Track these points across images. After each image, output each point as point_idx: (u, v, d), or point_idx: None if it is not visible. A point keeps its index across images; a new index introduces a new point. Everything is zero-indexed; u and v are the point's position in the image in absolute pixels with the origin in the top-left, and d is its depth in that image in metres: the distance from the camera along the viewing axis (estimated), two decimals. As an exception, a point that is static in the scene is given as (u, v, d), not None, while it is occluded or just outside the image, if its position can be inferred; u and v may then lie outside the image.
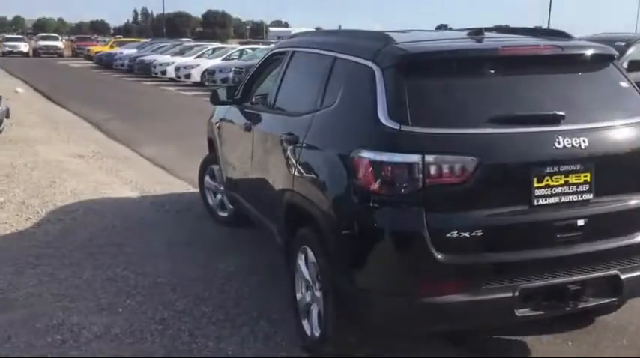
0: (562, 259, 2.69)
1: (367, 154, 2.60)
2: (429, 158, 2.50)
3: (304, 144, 3.14)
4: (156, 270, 4.30)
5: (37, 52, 42.87)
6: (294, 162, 3.20)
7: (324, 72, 3.24)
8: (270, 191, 3.60)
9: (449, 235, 2.53)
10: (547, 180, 2.66)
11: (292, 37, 4.16)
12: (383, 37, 2.95)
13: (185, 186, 6.84)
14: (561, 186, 2.69)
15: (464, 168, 2.54)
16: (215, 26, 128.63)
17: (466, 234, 2.54)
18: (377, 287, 2.67)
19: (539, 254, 2.66)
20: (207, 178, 5.52)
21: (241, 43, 32.31)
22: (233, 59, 22.02)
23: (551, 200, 2.68)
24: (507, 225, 2.64)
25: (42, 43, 45.11)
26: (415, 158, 2.49)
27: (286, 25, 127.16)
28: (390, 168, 2.53)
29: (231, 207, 5.19)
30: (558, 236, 2.69)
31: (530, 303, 2.64)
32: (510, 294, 2.58)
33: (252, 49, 23.50)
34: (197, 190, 6.50)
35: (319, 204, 2.91)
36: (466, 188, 2.55)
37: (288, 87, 3.76)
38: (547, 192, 2.66)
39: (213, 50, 24.74)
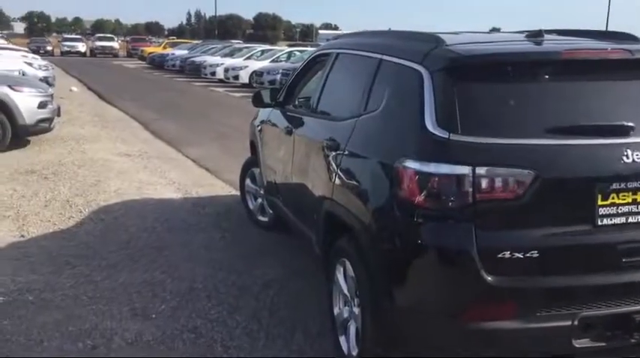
0: (628, 286, 2.42)
1: (412, 164, 2.41)
2: (481, 170, 2.28)
3: (346, 151, 2.97)
4: (192, 275, 4.21)
5: (93, 52, 44.18)
6: (334, 169, 3.04)
7: (368, 75, 3.07)
8: (310, 198, 3.45)
9: (500, 255, 2.31)
10: (613, 198, 2.40)
11: (336, 38, 4.00)
12: (432, 39, 2.75)
13: (227, 188, 6.77)
14: (629, 204, 2.42)
15: (519, 183, 2.31)
16: (266, 28, 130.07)
17: (520, 255, 2.31)
18: (419, 306, 2.47)
19: (602, 279, 2.40)
20: (248, 181, 5.42)
21: (290, 45, 32.39)
22: (281, 61, 22.05)
23: (617, 220, 2.42)
24: (567, 246, 2.39)
25: (98, 43, 46.44)
26: (465, 170, 2.29)
27: (336, 28, 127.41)
28: (436, 180, 2.33)
29: (271, 211, 5.07)
30: (624, 260, 2.42)
31: (590, 333, 2.39)
32: (569, 323, 2.34)
33: (301, 51, 23.48)
34: (238, 193, 6.44)
35: (359, 216, 2.73)
36: (521, 204, 2.32)
37: (331, 90, 3.60)
38: (612, 210, 2.40)
39: (262, 52, 24.84)
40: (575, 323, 2.34)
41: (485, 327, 2.34)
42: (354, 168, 2.89)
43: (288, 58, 22.58)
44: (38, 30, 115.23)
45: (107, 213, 5.65)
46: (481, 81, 2.48)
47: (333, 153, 3.08)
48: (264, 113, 4.93)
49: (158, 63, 32.49)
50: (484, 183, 2.28)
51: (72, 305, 3.70)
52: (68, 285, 3.98)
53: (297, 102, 4.42)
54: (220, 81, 23.40)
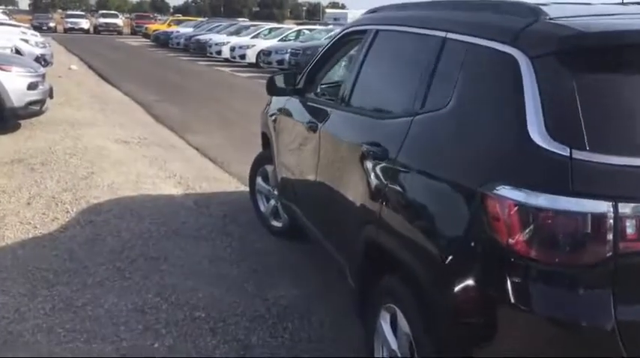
0: None
1: (510, 193, 1.65)
2: (626, 208, 1.53)
3: (398, 163, 2.22)
4: (194, 298, 3.50)
5: (97, 29, 43.25)
6: (381, 185, 2.29)
7: (426, 59, 2.30)
8: (343, 216, 2.71)
9: None
10: None
11: (374, 11, 3.21)
12: (528, 10, 1.96)
13: (234, 183, 6.03)
14: None
15: None
16: (272, 6, 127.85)
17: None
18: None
19: None
20: (259, 180, 4.68)
21: (298, 24, 31.39)
22: (289, 40, 21.19)
23: None
24: None
25: (102, 20, 45.48)
26: (602, 206, 1.54)
27: (343, 7, 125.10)
28: (552, 220, 1.58)
29: (285, 216, 4.34)
30: None
31: None
32: None
33: (310, 30, 22.60)
34: (247, 188, 5.71)
35: (421, 254, 1.99)
36: None
37: (370, 78, 2.83)
38: None
39: (270, 30, 23.93)
40: None
41: None
42: (412, 188, 2.14)
43: (297, 36, 21.70)
44: (43, 6, 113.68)
45: (97, 213, 4.93)
46: (610, 71, 1.71)
47: (379, 164, 2.32)
48: (278, 101, 4.17)
49: (162, 41, 31.60)
50: (630, 228, 1.53)
51: (44, 343, 2.99)
52: (42, 313, 3.27)
53: (319, 91, 3.68)
54: (226, 60, 22.57)
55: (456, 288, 1.81)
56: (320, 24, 33.54)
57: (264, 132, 4.54)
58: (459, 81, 2.04)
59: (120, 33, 43.53)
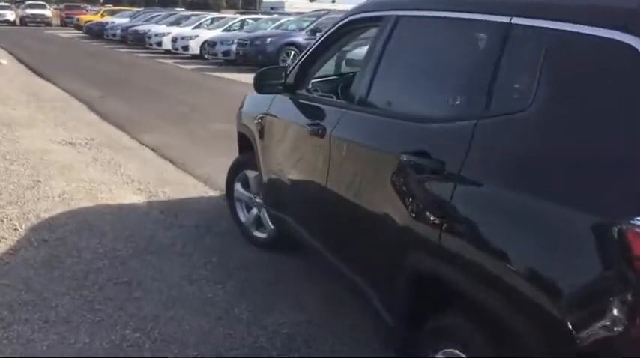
0: None
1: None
2: None
3: (463, 178, 1.82)
4: (180, 332, 3.02)
5: (24, 21, 40.87)
6: (439, 206, 1.89)
7: (481, 50, 1.93)
8: (372, 237, 2.30)
9: None
10: None
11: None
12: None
13: (200, 187, 5.51)
14: None
15: None
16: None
17: None
18: None
19: None
20: (238, 187, 4.20)
21: (239, 14, 30.54)
22: (234, 30, 20.49)
23: None
24: None
25: (29, 11, 42.95)
26: None
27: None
28: None
29: (271, 226, 3.89)
30: None
31: None
32: None
33: (255, 20, 21.94)
34: (216, 193, 5.24)
35: (514, 294, 1.59)
36: None
37: (397, 73, 2.41)
38: None
39: (212, 20, 23.08)
40: None
41: None
42: (493, 211, 1.73)
43: (242, 26, 21.05)
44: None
45: (51, 229, 4.33)
46: None
47: (433, 180, 1.92)
48: (260, 100, 3.71)
49: (96, 32, 30.11)
50: None
51: (6, 404, 2.46)
52: (-1, 363, 2.73)
53: (319, 88, 3.25)
54: (167, 52, 21.63)
55: (576, 340, 1.43)
56: (262, 13, 32.78)
57: (242, 133, 4.07)
58: (541, 77, 1.66)
59: (49, 24, 41.31)
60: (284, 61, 15.75)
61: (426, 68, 2.29)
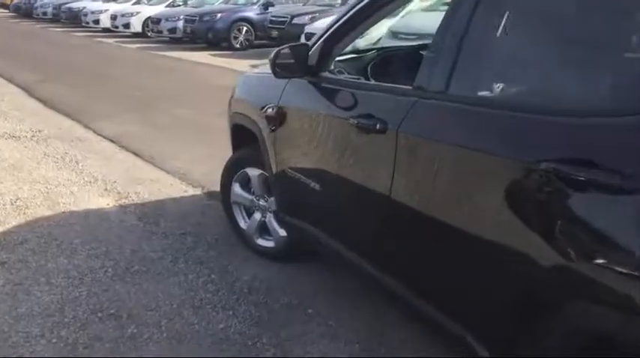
0: None
1: None
2: None
3: None
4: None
5: (-60, 0, 37.84)
6: (616, 241, 1.35)
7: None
8: (481, 274, 1.74)
9: None
10: None
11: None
12: None
13: (178, 184, 4.81)
14: None
15: None
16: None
17: None
18: None
19: None
20: (236, 188, 3.55)
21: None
22: (178, 5, 19.33)
23: None
24: None
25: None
26: None
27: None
28: None
29: (281, 234, 3.30)
30: None
31: None
32: None
33: (199, -6, 20.79)
34: (197, 191, 4.61)
35: None
36: None
37: (508, 50, 1.82)
38: None
39: (153, -5, 21.76)
40: None
41: None
42: None
43: (185, 2, 19.87)
44: None
45: (8, 248, 3.58)
46: None
47: (602, 200, 1.38)
48: (266, 85, 3.07)
49: (25, 11, 28.15)
50: None
51: None
52: None
53: (344, 69, 2.65)
54: (106, 30, 20.27)
55: None
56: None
57: (240, 125, 3.42)
58: None
59: (-30, 3, 38.43)
60: (236, 37, 14.91)
61: (577, 35, 1.65)
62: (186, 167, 5.10)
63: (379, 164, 2.14)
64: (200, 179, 4.81)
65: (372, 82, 2.56)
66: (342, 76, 2.67)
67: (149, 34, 18.17)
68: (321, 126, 2.56)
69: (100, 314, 2.88)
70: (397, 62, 2.85)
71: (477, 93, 1.88)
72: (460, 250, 1.81)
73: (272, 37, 13.14)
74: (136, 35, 18.76)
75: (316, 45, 2.65)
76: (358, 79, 2.62)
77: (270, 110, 2.93)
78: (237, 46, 14.84)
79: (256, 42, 14.82)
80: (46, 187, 4.67)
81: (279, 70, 2.61)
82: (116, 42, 17.52)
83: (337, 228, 2.59)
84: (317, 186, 2.62)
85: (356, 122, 2.25)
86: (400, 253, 2.15)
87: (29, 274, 3.25)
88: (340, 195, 2.50)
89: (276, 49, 2.64)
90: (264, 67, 3.36)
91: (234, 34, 14.92)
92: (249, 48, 14.74)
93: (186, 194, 4.59)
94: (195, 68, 11.40)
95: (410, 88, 2.07)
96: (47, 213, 4.15)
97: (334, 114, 2.45)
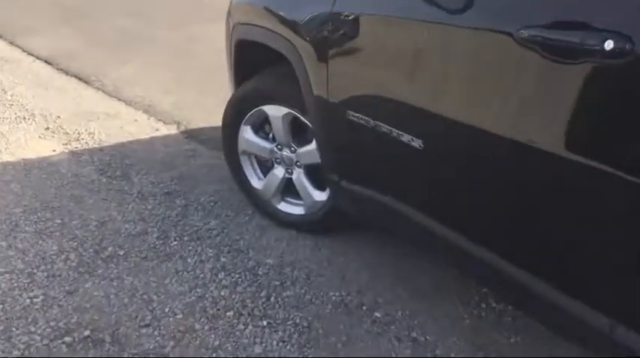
0: None
1: None
2: None
3: None
4: None
5: None
6: None
7: None
8: None
9: None
10: None
11: None
12: None
13: (144, 120, 3.70)
14: None
15: None
16: None
17: None
18: None
19: None
20: (246, 133, 2.49)
21: None
22: None
23: None
24: None
25: None
26: None
27: None
28: None
29: (316, 196, 2.35)
30: None
31: None
32: None
33: None
34: (171, 129, 3.59)
35: None
36: None
37: None
38: None
39: None
40: None
41: None
42: None
43: None
44: None
45: None
46: None
47: None
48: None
49: None
50: None
51: None
52: None
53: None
54: None
55: None
56: None
57: (252, 43, 2.34)
58: None
59: None
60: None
61: None
62: (151, 96, 3.97)
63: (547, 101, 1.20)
64: (172, 112, 3.74)
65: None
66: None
67: None
68: (423, 43, 1.54)
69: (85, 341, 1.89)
70: None
71: None
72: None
73: None
74: None
75: None
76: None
77: (317, 26, 1.86)
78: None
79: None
80: (-35, 127, 3.47)
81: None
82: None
83: (450, 211, 1.65)
84: (417, 142, 1.63)
85: (526, 35, 1.26)
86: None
87: (-51, 270, 2.20)
88: (468, 158, 1.52)
89: None
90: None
91: None
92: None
93: (158, 133, 3.51)
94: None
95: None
96: (-30, 165, 3.02)
97: (455, 23, 1.43)
